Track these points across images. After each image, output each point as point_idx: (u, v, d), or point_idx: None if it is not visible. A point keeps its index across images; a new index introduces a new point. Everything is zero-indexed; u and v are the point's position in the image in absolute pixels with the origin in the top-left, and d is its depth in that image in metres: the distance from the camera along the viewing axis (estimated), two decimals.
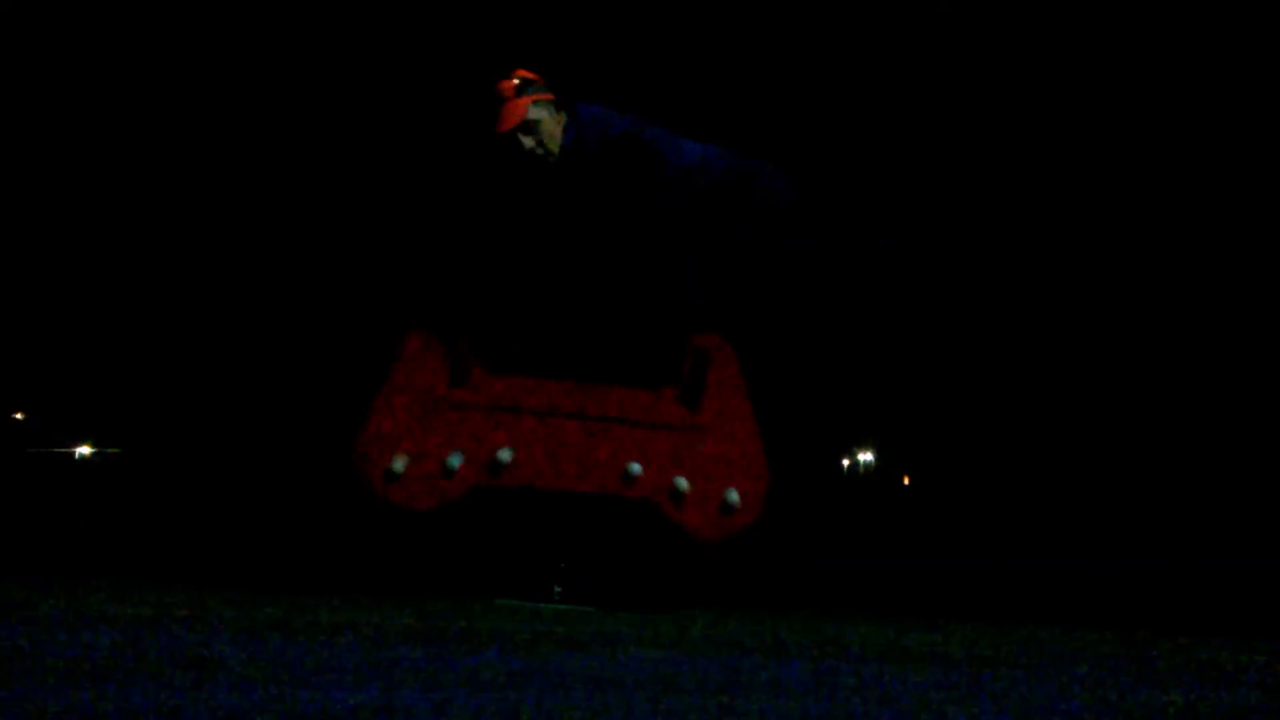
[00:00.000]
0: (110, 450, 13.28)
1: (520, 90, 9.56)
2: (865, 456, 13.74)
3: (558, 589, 9.75)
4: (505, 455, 9.22)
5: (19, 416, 13.49)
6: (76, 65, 12.09)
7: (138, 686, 3.61)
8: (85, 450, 13.57)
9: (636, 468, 9.34)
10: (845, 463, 13.67)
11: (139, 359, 12.57)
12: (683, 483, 9.29)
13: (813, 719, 3.67)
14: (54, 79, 12.09)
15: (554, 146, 9.61)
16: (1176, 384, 12.48)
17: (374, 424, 9.26)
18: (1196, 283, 12.15)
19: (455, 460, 9.13)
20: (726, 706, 3.80)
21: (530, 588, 9.84)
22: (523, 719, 3.39)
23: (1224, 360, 12.61)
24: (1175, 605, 11.89)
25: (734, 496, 9.45)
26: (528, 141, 9.59)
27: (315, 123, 11.24)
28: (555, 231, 9.88)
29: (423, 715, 3.37)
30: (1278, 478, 12.56)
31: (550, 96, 9.72)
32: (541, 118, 9.68)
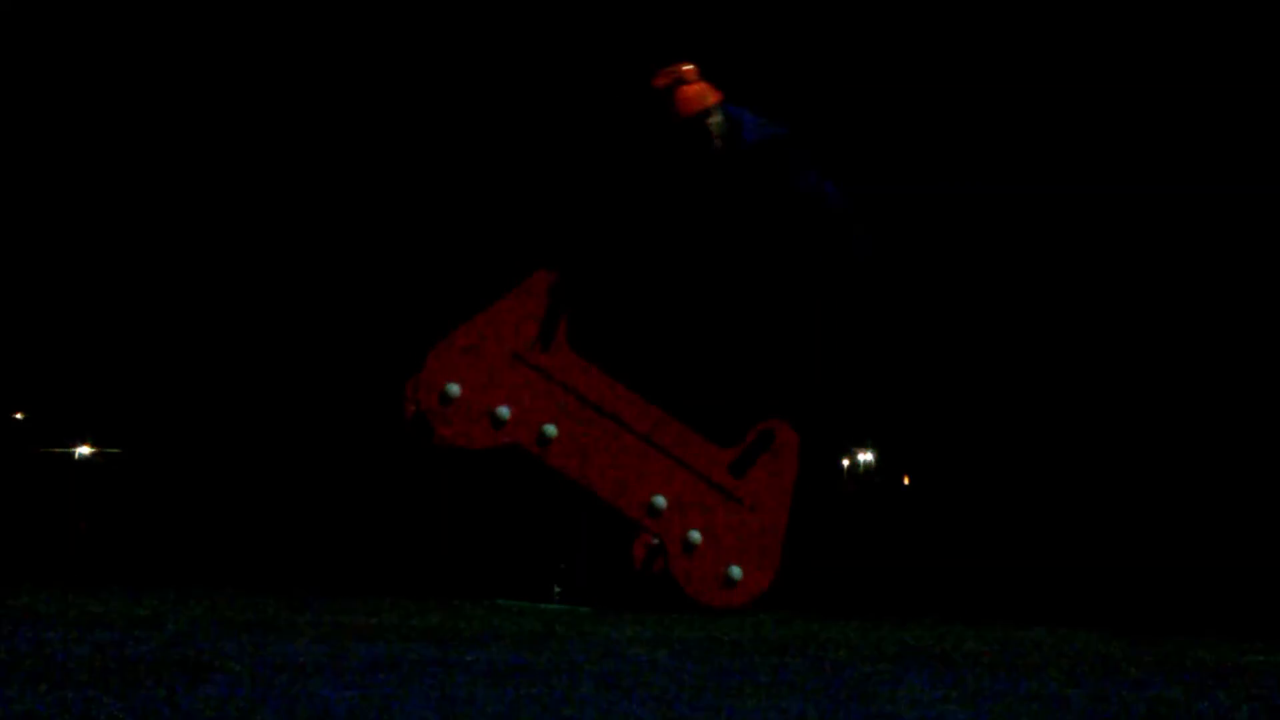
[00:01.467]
0: (110, 450, 13.29)
1: (699, 77, 9.46)
2: (865, 456, 13.77)
3: (558, 589, 9.75)
4: (551, 430, 9.25)
5: (19, 416, 13.50)
6: (77, 65, 12.10)
7: (138, 686, 3.61)
8: (85, 450, 13.59)
9: (661, 502, 9.37)
10: (845, 463, 13.70)
11: (139, 359, 12.57)
12: (695, 536, 9.32)
13: (813, 719, 3.67)
14: (54, 79, 12.10)
15: (725, 140, 9.43)
16: (1179, 381, 12.49)
17: (451, 348, 9.27)
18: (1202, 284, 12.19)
19: (505, 412, 9.16)
20: (727, 707, 3.80)
21: (530, 588, 9.84)
22: (522, 719, 3.39)
23: (1225, 361, 12.61)
24: (1175, 605, 11.89)
25: (736, 573, 9.49)
26: (715, 126, 9.43)
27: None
28: (696, 233, 9.88)
29: (423, 715, 3.36)
30: (1276, 478, 12.59)
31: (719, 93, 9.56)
32: (718, 107, 9.52)
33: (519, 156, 11.43)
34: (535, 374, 9.20)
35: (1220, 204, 12.44)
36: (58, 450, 13.39)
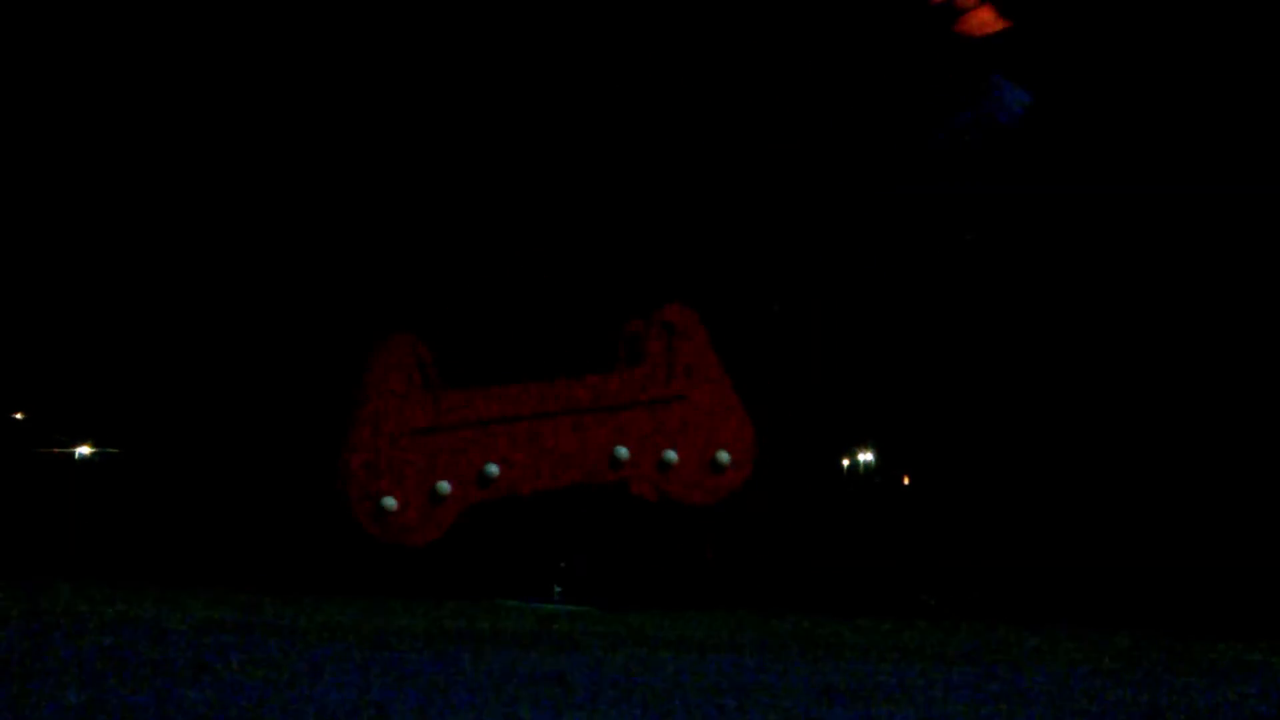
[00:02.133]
0: (110, 450, 13.28)
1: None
2: (865, 456, 13.76)
3: (558, 589, 9.75)
4: (493, 470, 9.22)
5: (19, 416, 13.49)
6: (77, 65, 12.10)
7: (138, 686, 3.61)
8: (85, 450, 13.58)
9: (623, 451, 9.34)
10: (845, 462, 13.69)
11: (139, 359, 12.57)
12: (671, 455, 9.30)
13: (813, 719, 3.67)
14: (54, 79, 12.10)
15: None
16: (1181, 380, 12.50)
17: (356, 461, 9.26)
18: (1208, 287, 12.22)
19: (445, 487, 9.13)
20: (727, 707, 3.80)
21: (530, 588, 9.84)
22: (522, 719, 3.39)
23: (1226, 362, 12.60)
24: (1175, 605, 11.88)
25: (724, 457, 9.46)
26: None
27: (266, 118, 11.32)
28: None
29: (423, 715, 3.36)
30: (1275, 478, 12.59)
31: None
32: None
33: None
34: (446, 434, 9.17)
35: (1222, 203, 12.45)
36: (58, 450, 13.39)
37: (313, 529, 11.26)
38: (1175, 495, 12.10)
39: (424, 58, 10.78)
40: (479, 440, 9.15)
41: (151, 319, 12.08)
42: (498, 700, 3.68)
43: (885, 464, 14.16)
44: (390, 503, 8.95)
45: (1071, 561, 12.35)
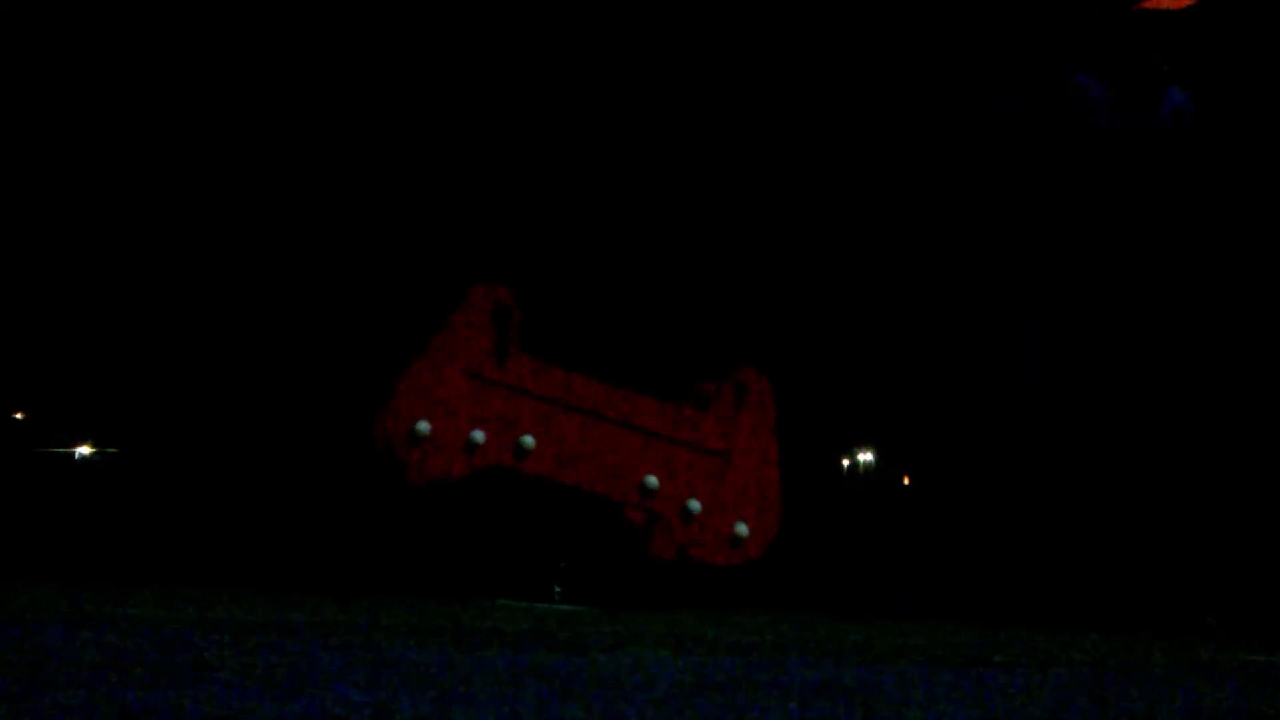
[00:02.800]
0: (110, 450, 13.28)
1: None
2: (865, 456, 13.75)
3: (558, 589, 9.75)
4: (529, 442, 9.25)
5: (19, 416, 13.49)
6: (77, 65, 12.09)
7: (138, 686, 3.61)
8: (85, 450, 13.58)
9: (654, 481, 9.37)
10: (845, 462, 13.68)
11: (139, 359, 12.56)
12: (695, 505, 9.32)
13: (813, 719, 3.67)
14: (54, 79, 12.09)
15: None
16: (1182, 385, 12.50)
17: (411, 382, 9.28)
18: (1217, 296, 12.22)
19: (480, 436, 9.16)
20: (727, 707, 3.80)
21: (530, 588, 9.84)
22: (522, 719, 3.39)
23: (1227, 365, 12.60)
24: (1175, 605, 11.88)
25: (743, 530, 9.48)
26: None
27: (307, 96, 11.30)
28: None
29: (423, 715, 3.36)
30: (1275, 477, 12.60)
31: None
32: None
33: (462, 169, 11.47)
34: (500, 390, 9.18)
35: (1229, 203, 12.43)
36: (58, 450, 13.38)
37: (313, 528, 11.25)
38: (1174, 496, 12.10)
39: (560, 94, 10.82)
40: (529, 411, 9.18)
41: (151, 321, 12.07)
42: (498, 700, 3.68)
43: (885, 464, 14.17)
44: (424, 427, 8.99)
45: (1071, 562, 12.35)
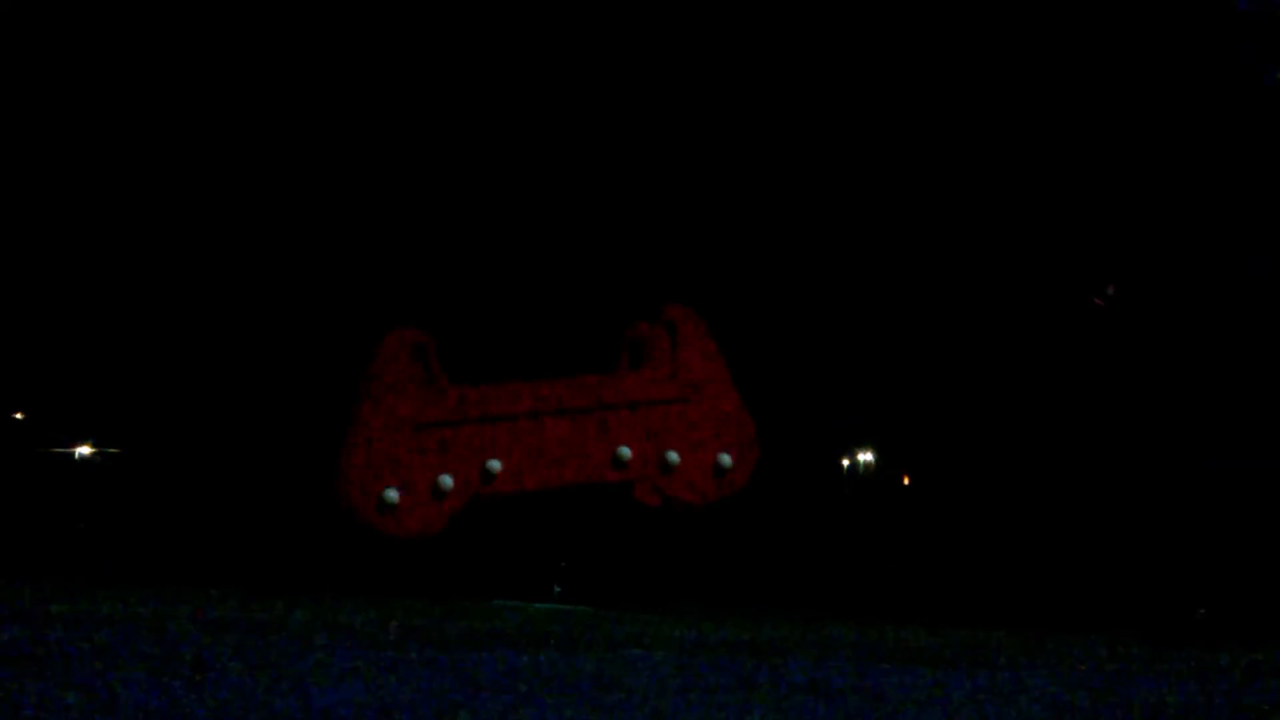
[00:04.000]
0: (110, 450, 13.28)
1: None
2: (865, 456, 13.70)
3: (558, 589, 9.76)
4: (495, 465, 9.21)
5: (19, 416, 13.48)
6: (77, 66, 12.09)
7: (138, 686, 3.61)
8: (85, 450, 13.58)
9: (626, 451, 9.33)
10: (845, 463, 13.62)
11: (139, 359, 12.56)
12: (673, 456, 9.29)
13: (813, 719, 3.67)
14: (54, 79, 12.09)
15: None
16: (1178, 385, 12.48)
17: (358, 454, 9.24)
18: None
19: (447, 481, 9.11)
20: (727, 706, 3.80)
21: (530, 588, 9.84)
22: (522, 719, 3.39)
23: (1228, 367, 12.58)
24: (1175, 605, 11.88)
25: (726, 459, 9.45)
26: None
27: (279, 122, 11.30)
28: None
29: (423, 715, 3.36)
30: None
31: None
32: None
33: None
34: (449, 429, 9.17)
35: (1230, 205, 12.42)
36: (58, 450, 13.39)
37: (313, 527, 11.25)
38: (1174, 497, 12.10)
39: (434, 59, 10.78)
40: (482, 436, 9.15)
41: (151, 320, 12.07)
42: (498, 700, 3.68)
43: (885, 464, 14.16)
44: (393, 495, 8.94)
45: (1070, 563, 12.34)
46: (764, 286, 10.56)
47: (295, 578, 10.87)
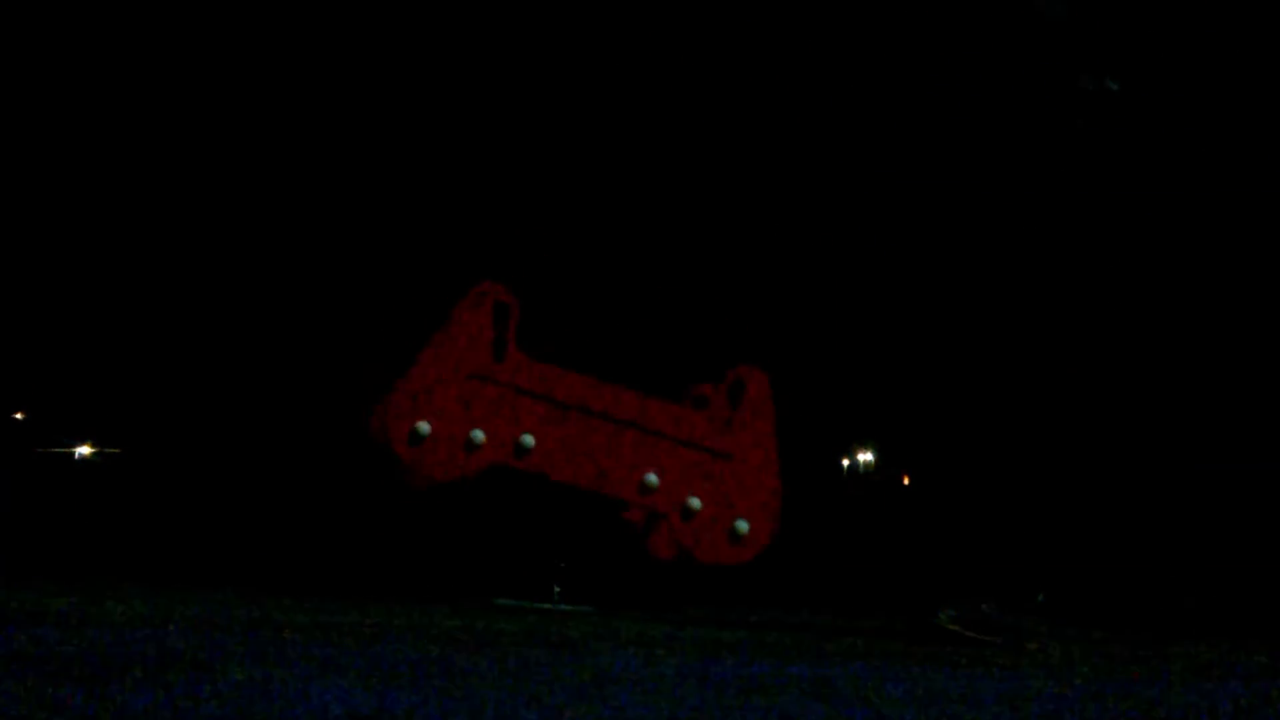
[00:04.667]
0: (110, 450, 13.29)
1: None
2: (865, 456, 13.72)
3: (558, 589, 9.76)
4: (529, 440, 9.27)
5: (19, 416, 13.49)
6: (77, 65, 12.09)
7: (138, 686, 3.61)
8: (85, 450, 13.59)
9: (653, 479, 9.39)
10: (845, 462, 13.65)
11: (139, 359, 12.56)
12: (695, 503, 9.34)
13: (814, 719, 3.68)
14: (54, 79, 12.09)
15: None
16: (1179, 379, 12.50)
17: (410, 383, 9.29)
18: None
19: (479, 436, 9.17)
20: (727, 706, 3.81)
21: (530, 588, 9.84)
22: (522, 719, 3.39)
23: (1227, 368, 12.62)
24: (1176, 606, 11.89)
25: (744, 527, 9.50)
26: None
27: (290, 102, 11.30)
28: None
29: (423, 715, 3.37)
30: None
31: None
32: None
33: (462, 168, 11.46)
34: (500, 389, 9.19)
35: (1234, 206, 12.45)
36: (58, 450, 13.39)
37: (311, 529, 11.24)
38: (1172, 495, 12.10)
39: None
40: (529, 410, 9.19)
41: (151, 319, 12.07)
42: (498, 700, 3.69)
43: (885, 464, 14.17)
44: (424, 427, 8.98)
45: (1070, 563, 12.35)
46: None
47: (295, 578, 10.87)
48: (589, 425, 9.34)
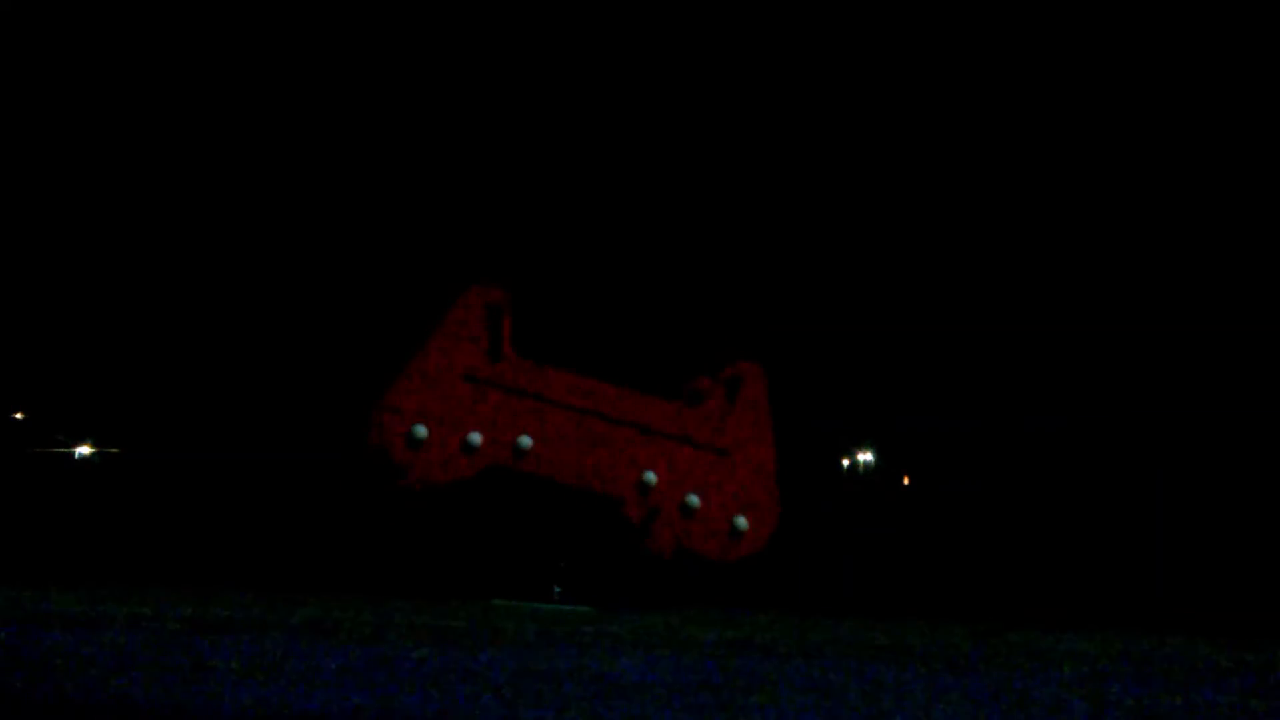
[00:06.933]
0: (110, 450, 13.29)
1: None
2: (865, 456, 13.71)
3: (558, 589, 9.75)
4: (526, 442, 9.26)
5: (19, 416, 13.50)
6: (77, 66, 12.09)
7: (138, 686, 3.61)
8: (85, 450, 13.59)
9: (652, 477, 9.39)
10: (845, 463, 13.64)
11: (139, 360, 12.57)
12: (694, 500, 9.34)
13: (813, 719, 3.67)
14: (54, 79, 12.10)
15: None
16: (1178, 379, 12.52)
17: (406, 385, 9.30)
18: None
19: (476, 438, 9.17)
20: (726, 706, 3.80)
21: (530, 588, 9.84)
22: (522, 719, 3.39)
23: (1227, 368, 12.61)
24: (1174, 604, 11.88)
25: (742, 524, 9.50)
26: None
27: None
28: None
29: (423, 715, 3.37)
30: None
31: None
32: None
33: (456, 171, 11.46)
34: (496, 391, 9.19)
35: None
36: (58, 450, 13.39)
37: (311, 529, 11.24)
38: (1172, 494, 12.11)
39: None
40: (526, 411, 9.19)
41: (151, 320, 12.07)
42: (498, 700, 3.69)
43: (885, 464, 14.18)
44: (421, 431, 8.99)
45: (1069, 562, 12.35)
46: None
47: (295, 578, 10.87)
48: (587, 425, 9.34)
